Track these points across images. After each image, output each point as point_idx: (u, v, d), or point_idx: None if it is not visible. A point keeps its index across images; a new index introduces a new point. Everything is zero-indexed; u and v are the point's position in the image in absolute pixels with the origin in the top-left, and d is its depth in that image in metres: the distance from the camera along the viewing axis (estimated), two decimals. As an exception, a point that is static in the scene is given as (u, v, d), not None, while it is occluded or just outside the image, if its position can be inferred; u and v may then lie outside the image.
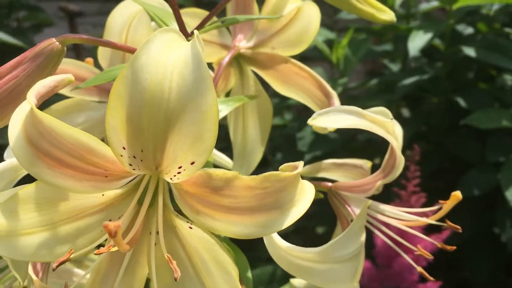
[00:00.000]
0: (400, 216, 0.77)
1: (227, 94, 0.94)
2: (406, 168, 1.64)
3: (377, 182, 0.76)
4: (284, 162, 0.57)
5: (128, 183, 0.57)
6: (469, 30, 2.27)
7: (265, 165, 1.86)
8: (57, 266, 0.53)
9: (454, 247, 0.74)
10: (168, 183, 0.56)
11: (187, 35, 0.71)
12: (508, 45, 2.02)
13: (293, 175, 0.52)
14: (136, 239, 0.56)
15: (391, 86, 2.21)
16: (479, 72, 2.40)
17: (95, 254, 0.53)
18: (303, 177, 0.55)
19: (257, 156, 0.93)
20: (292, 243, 0.67)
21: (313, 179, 0.81)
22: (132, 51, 0.69)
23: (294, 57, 0.89)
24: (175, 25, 0.73)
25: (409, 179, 1.70)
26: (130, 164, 0.53)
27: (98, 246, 0.56)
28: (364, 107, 0.70)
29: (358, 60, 2.17)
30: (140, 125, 0.49)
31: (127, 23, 0.86)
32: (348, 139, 2.28)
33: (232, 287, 0.55)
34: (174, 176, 0.53)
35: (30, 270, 0.62)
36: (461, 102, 2.11)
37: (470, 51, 1.99)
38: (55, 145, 0.52)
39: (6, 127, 0.54)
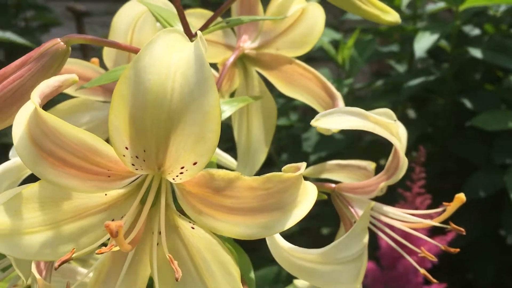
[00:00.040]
0: (403, 218, 0.76)
1: (232, 95, 0.94)
2: (411, 169, 1.64)
3: (381, 183, 0.76)
4: (289, 162, 0.57)
5: (131, 183, 0.57)
6: (475, 31, 2.26)
7: (270, 166, 1.86)
8: (59, 265, 0.53)
9: (458, 250, 0.74)
10: (171, 183, 0.56)
11: (192, 36, 0.71)
12: (515, 46, 2.01)
13: (296, 176, 0.52)
14: (139, 238, 0.56)
15: (397, 87, 2.20)
16: (485, 73, 2.39)
17: (96, 253, 0.53)
18: (307, 178, 0.55)
19: (261, 156, 0.93)
20: (297, 244, 0.67)
21: (317, 180, 0.81)
22: (136, 51, 0.69)
23: (300, 57, 0.89)
24: (179, 26, 0.73)
25: (414, 180, 1.70)
26: (133, 164, 0.53)
27: (102, 245, 0.56)
28: (370, 108, 0.69)
29: (364, 61, 2.16)
30: (143, 125, 0.49)
31: (132, 24, 0.86)
32: (353, 140, 2.27)
33: (234, 288, 0.55)
34: (177, 176, 0.53)
35: (34, 269, 0.62)
36: (467, 103, 2.11)
37: (476, 53, 1.99)
38: (58, 145, 0.52)
39: (11, 126, 0.55)
